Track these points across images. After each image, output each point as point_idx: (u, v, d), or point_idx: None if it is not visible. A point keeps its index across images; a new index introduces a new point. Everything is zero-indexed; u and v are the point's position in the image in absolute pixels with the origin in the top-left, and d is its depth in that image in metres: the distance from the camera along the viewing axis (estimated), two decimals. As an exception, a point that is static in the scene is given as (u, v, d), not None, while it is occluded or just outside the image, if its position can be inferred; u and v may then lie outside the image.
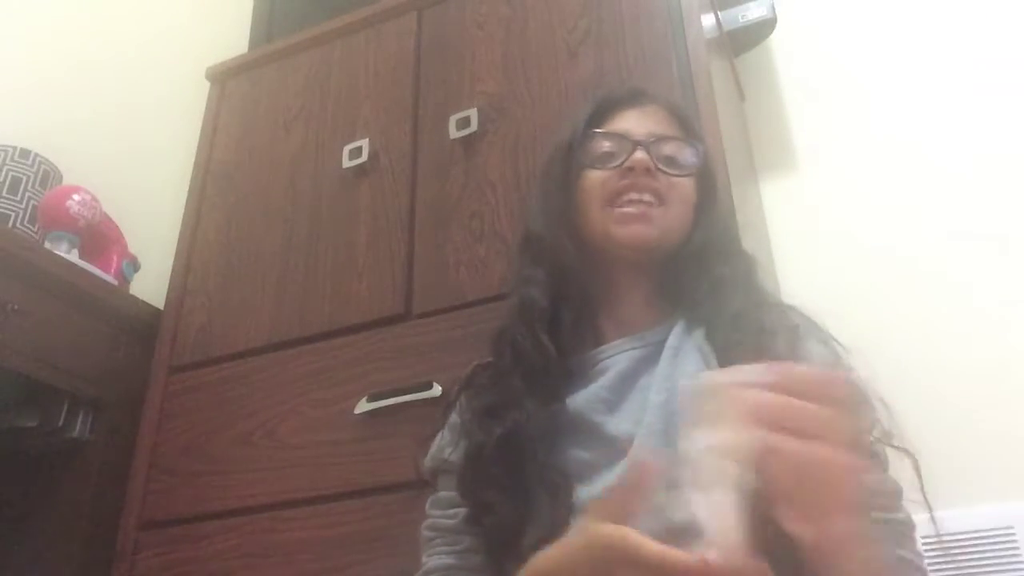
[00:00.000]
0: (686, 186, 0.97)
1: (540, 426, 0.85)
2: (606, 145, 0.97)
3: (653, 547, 0.51)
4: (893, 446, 0.78)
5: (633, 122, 0.99)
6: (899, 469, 0.78)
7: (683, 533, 0.52)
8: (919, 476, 0.76)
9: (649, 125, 0.99)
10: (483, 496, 0.85)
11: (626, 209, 0.93)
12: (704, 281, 0.93)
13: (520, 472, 0.83)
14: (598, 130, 0.99)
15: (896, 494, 0.77)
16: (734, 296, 0.91)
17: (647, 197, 0.93)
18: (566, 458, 0.85)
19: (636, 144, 0.95)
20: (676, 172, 0.96)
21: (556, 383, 0.89)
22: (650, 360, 0.90)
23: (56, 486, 1.38)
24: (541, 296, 0.94)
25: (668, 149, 0.97)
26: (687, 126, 1.03)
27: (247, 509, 1.27)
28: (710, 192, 1.00)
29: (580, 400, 0.89)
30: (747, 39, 1.79)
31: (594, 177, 0.96)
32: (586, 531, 0.55)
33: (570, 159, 0.99)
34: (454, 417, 0.96)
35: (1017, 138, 1.59)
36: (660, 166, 0.95)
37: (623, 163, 0.94)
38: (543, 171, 1.07)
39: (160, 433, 1.40)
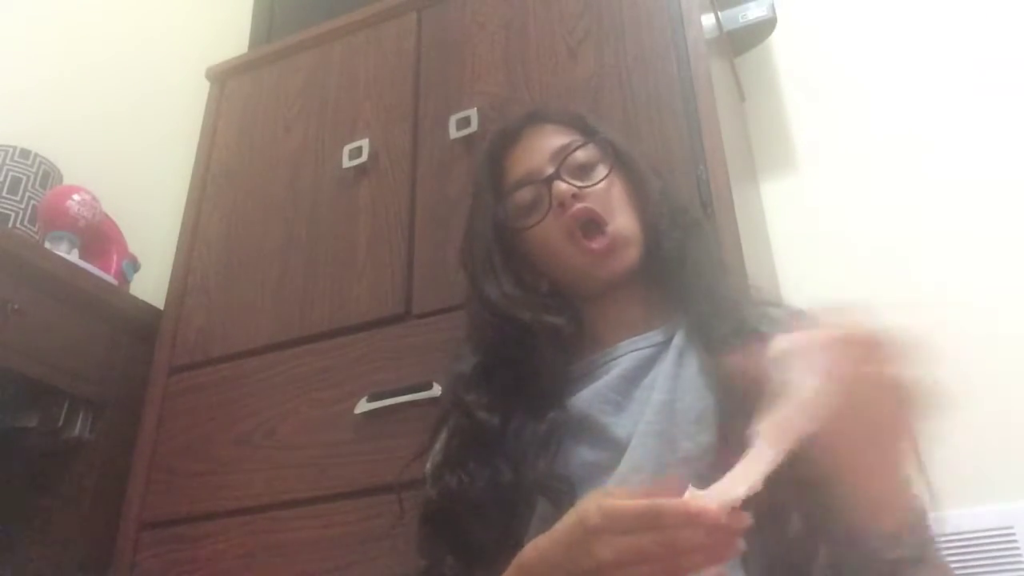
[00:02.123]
0: (614, 185, 0.96)
1: (480, 489, 0.86)
2: (524, 195, 0.96)
3: (630, 502, 0.57)
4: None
5: (530, 155, 0.98)
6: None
7: None
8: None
9: (545, 146, 0.98)
10: (422, 555, 0.88)
11: (591, 248, 0.92)
12: (663, 264, 0.94)
13: (460, 532, 0.85)
14: (507, 184, 0.98)
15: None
16: (695, 278, 0.92)
17: (593, 226, 0.93)
18: (572, 460, 0.85)
19: (549, 179, 0.94)
20: (598, 179, 0.95)
21: (560, 394, 0.90)
22: (655, 359, 0.90)
23: (56, 486, 1.38)
24: (466, 363, 0.95)
25: (577, 158, 0.96)
26: (580, 125, 1.02)
27: (247, 509, 1.27)
28: (634, 172, 1.00)
29: (585, 400, 0.89)
30: (747, 39, 1.79)
31: (538, 231, 0.95)
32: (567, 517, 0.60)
33: (498, 228, 0.98)
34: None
35: (1017, 138, 1.59)
36: (581, 184, 0.94)
37: (550, 204, 0.94)
38: (469, 238, 1.04)
39: (160, 433, 1.40)
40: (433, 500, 0.89)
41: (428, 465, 0.96)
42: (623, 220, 0.95)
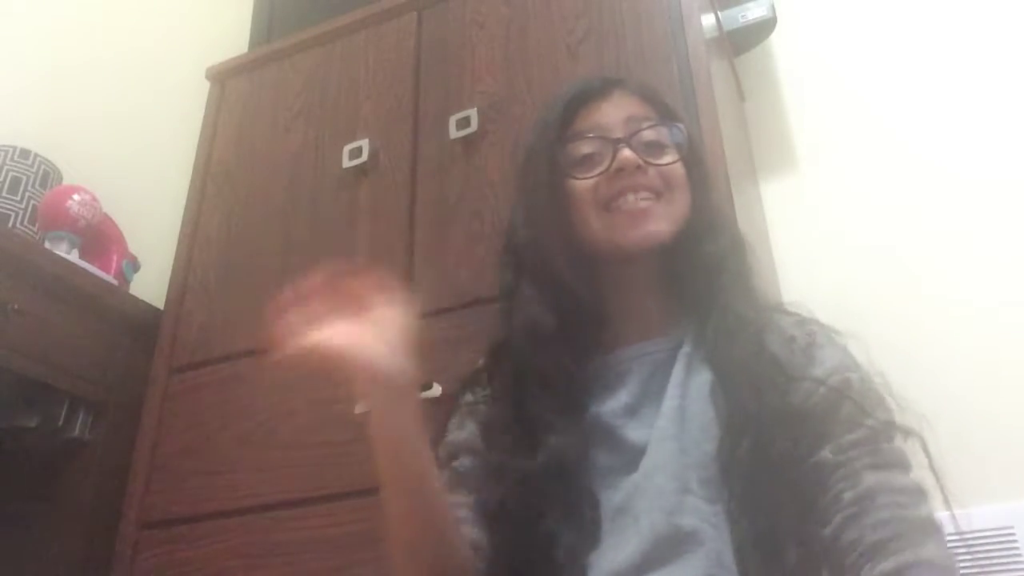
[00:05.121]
0: (678, 172, 0.93)
1: (577, 443, 0.84)
2: (586, 148, 0.93)
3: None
4: (904, 430, 0.77)
5: (605, 114, 0.95)
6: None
7: None
8: (927, 454, 0.76)
9: (622, 112, 0.95)
10: (541, 527, 0.81)
11: (629, 209, 0.89)
12: (696, 265, 0.92)
13: (569, 493, 0.82)
14: (574, 131, 0.94)
15: (914, 493, 0.74)
16: (726, 291, 0.89)
17: (644, 195, 0.90)
18: (590, 465, 0.85)
19: (617, 142, 0.91)
20: (665, 161, 0.92)
21: (578, 396, 0.88)
22: (666, 365, 0.89)
23: (56, 486, 1.38)
24: (546, 314, 0.90)
25: (649, 135, 0.93)
26: (661, 106, 0.99)
27: (247, 509, 1.27)
28: (700, 170, 0.98)
29: (602, 406, 0.88)
30: (747, 39, 1.79)
31: (583, 186, 0.91)
32: None
33: (551, 166, 0.94)
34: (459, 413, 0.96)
35: (1017, 138, 1.59)
36: (648, 159, 0.91)
37: (610, 166, 0.90)
38: (521, 179, 1.03)
39: (160, 433, 1.40)
40: (542, 462, 0.83)
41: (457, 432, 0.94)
42: (678, 204, 0.92)
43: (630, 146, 0.91)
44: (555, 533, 0.80)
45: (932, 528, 0.72)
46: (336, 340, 0.73)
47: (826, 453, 0.76)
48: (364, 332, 0.74)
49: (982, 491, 1.30)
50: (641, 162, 0.91)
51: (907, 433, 0.77)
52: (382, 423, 0.77)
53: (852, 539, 0.71)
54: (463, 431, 0.93)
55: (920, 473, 0.76)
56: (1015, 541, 1.29)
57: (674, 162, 0.93)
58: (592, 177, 0.91)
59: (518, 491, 0.83)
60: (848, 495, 0.73)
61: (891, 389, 0.80)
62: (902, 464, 0.76)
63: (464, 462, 0.90)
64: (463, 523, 0.85)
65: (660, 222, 0.90)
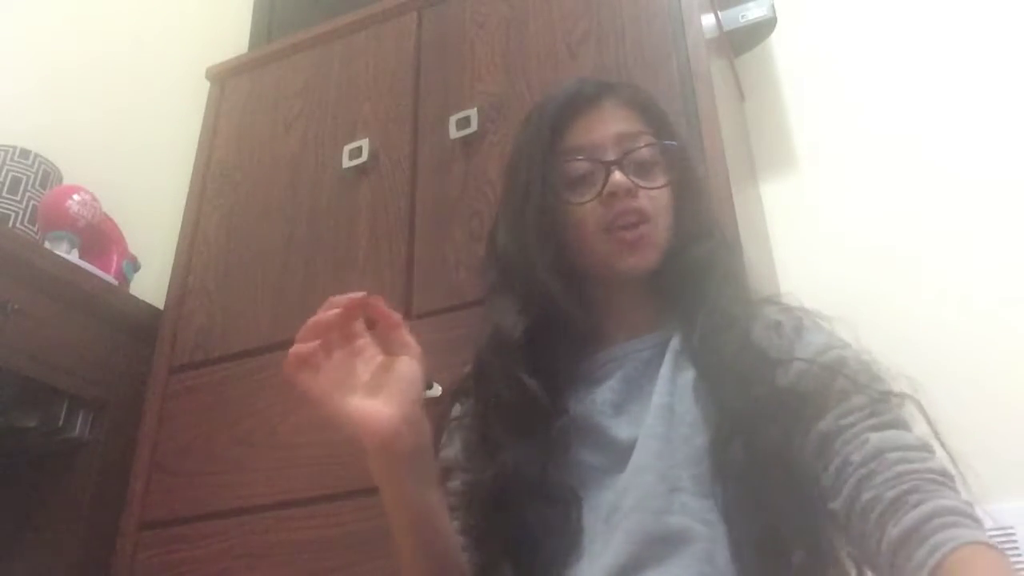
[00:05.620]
0: (667, 195, 0.94)
1: (532, 459, 0.84)
2: (578, 168, 0.93)
3: None
4: (902, 397, 0.77)
5: (596, 131, 0.94)
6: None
7: None
8: (927, 418, 0.76)
9: (613, 128, 0.94)
10: (486, 551, 0.83)
11: (624, 237, 0.90)
12: (686, 268, 0.92)
13: (519, 512, 0.82)
14: (565, 148, 0.94)
15: (922, 448, 0.74)
16: (716, 290, 0.90)
17: (635, 219, 0.91)
18: (574, 464, 0.85)
19: (610, 165, 0.91)
20: (655, 184, 0.93)
21: (538, 409, 0.87)
22: (654, 362, 0.89)
23: (56, 486, 1.38)
24: (515, 326, 0.91)
25: (641, 155, 0.93)
26: (651, 114, 0.98)
27: (247, 509, 1.27)
28: (691, 176, 0.98)
29: (587, 404, 0.88)
30: (747, 39, 1.79)
31: (578, 211, 0.92)
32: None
33: (542, 184, 0.93)
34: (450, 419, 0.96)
35: (1016, 137, 1.59)
36: (639, 182, 0.91)
37: (602, 190, 0.90)
38: (509, 182, 1.02)
39: (160, 433, 1.40)
40: (489, 478, 0.85)
41: (448, 450, 0.94)
42: (662, 225, 0.93)
43: (621, 168, 0.91)
44: (510, 554, 0.81)
45: (946, 478, 0.71)
46: (345, 408, 0.72)
47: (826, 423, 0.76)
48: (376, 401, 0.73)
49: (982, 491, 1.30)
50: (632, 186, 0.91)
51: (904, 399, 0.77)
52: (398, 493, 0.77)
53: (869, 499, 0.70)
54: (451, 448, 0.94)
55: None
56: (1015, 541, 1.29)
57: (664, 184, 0.94)
58: (585, 202, 0.92)
59: (481, 511, 0.85)
60: (856, 457, 0.72)
61: (881, 364, 0.80)
62: (904, 424, 0.76)
63: (455, 484, 0.91)
64: (464, 550, 0.85)
65: (651, 249, 0.92)
